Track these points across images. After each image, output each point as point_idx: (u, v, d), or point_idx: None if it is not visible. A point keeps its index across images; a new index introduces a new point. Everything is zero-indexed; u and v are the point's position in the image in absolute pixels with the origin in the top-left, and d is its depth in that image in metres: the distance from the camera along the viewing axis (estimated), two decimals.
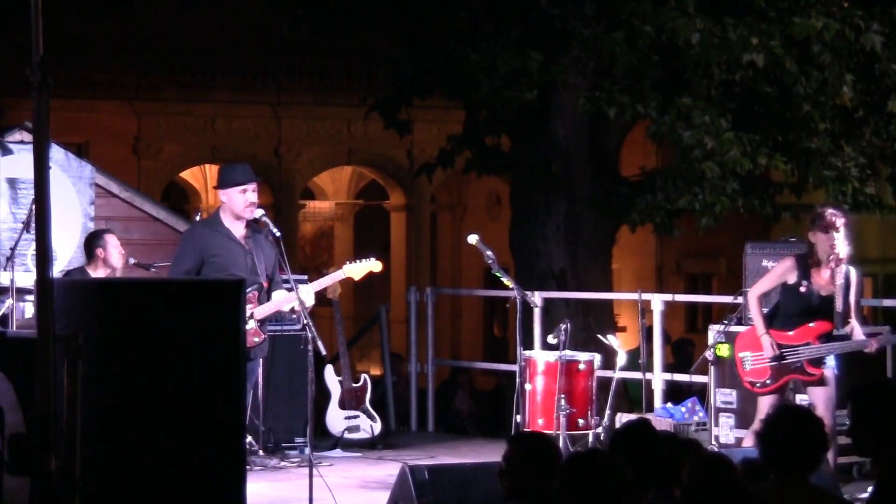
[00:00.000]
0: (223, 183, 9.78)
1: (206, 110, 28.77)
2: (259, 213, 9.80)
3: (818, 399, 9.48)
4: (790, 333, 9.59)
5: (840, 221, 9.44)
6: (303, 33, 15.32)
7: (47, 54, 5.19)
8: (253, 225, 9.79)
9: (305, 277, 11.65)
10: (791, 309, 9.62)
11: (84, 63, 26.50)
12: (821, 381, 9.53)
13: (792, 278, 9.58)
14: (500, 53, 14.09)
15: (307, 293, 9.67)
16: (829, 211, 9.52)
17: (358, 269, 10.25)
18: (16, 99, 23.21)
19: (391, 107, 15.76)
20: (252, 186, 9.72)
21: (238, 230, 9.69)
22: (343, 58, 27.76)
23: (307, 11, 15.30)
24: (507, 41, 14.26)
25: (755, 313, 9.73)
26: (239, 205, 9.66)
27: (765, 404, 9.59)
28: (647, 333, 12.27)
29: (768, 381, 9.63)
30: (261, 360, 10.06)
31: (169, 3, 27.11)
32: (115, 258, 11.29)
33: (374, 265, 10.28)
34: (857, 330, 9.61)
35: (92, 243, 11.45)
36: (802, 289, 9.52)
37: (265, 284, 9.73)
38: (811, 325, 9.54)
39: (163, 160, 28.94)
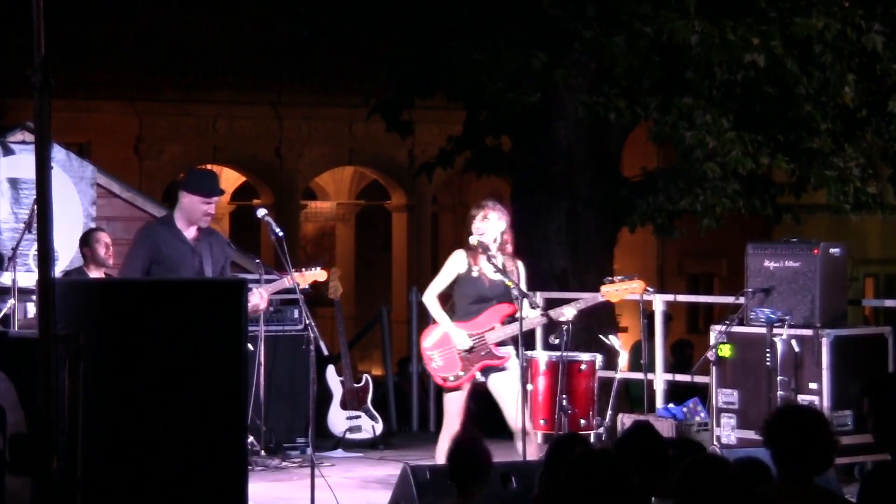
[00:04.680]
0: (190, 187, 9.65)
1: (207, 110, 28.78)
2: (262, 212, 9.80)
3: (500, 385, 9.77)
4: (477, 320, 9.78)
5: (487, 209, 10.05)
6: (303, 33, 15.30)
7: (49, 55, 5.19)
8: (205, 227, 9.74)
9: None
10: (469, 297, 9.84)
11: (85, 63, 26.50)
12: (503, 367, 9.78)
13: (463, 268, 9.85)
14: (504, 53, 14.08)
15: (259, 295, 9.84)
16: (483, 201, 10.22)
17: (307, 278, 10.87)
18: (17, 99, 23.23)
19: (393, 108, 15.73)
20: (216, 200, 9.69)
21: (190, 232, 9.63)
22: (344, 58, 27.74)
23: (308, 11, 15.28)
24: (510, 41, 14.24)
25: (436, 311, 9.88)
26: (198, 213, 9.55)
27: (453, 403, 9.84)
28: (650, 329, 12.30)
29: (461, 373, 9.83)
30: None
31: (170, 4, 27.10)
32: (100, 253, 11.28)
33: (318, 275, 10.95)
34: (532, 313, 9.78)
35: (81, 245, 11.50)
36: (474, 274, 9.81)
37: None
38: (493, 308, 9.76)
39: (164, 160, 28.94)
